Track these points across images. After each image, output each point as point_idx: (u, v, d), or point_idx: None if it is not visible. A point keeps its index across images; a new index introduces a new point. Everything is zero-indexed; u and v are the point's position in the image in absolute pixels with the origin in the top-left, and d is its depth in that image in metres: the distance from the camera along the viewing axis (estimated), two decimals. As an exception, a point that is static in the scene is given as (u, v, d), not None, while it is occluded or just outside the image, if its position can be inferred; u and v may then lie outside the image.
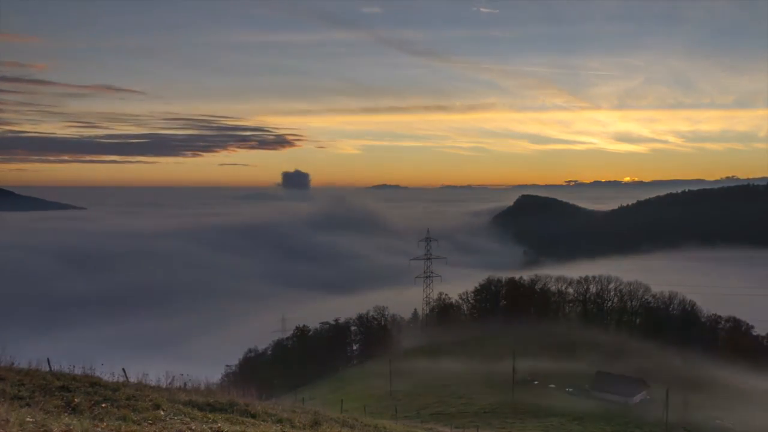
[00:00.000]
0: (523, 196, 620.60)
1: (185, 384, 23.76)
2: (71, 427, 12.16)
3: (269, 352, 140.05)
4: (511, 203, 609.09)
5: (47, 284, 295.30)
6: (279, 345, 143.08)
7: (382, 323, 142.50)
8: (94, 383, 18.61)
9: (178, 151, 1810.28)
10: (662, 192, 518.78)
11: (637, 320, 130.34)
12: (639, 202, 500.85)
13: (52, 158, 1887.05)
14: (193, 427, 14.81)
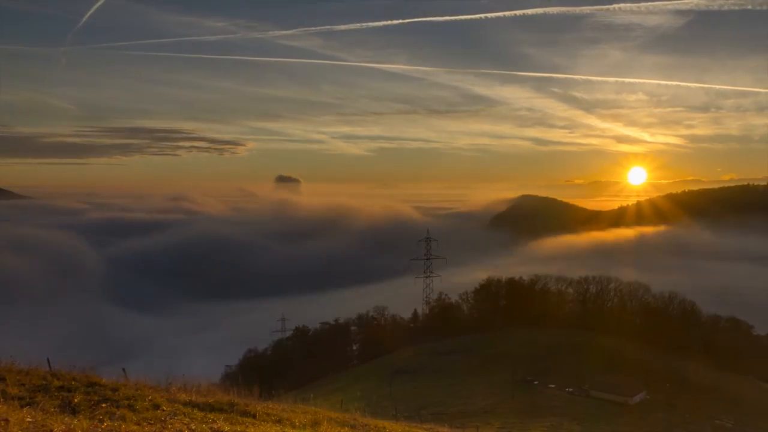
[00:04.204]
0: (523, 196, 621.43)
1: (185, 384, 23.74)
2: (72, 427, 12.18)
3: (269, 352, 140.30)
4: (511, 203, 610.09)
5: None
6: (279, 345, 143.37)
7: (382, 323, 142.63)
8: (94, 383, 18.63)
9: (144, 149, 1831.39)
10: (662, 192, 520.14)
11: (637, 320, 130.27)
12: (639, 203, 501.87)
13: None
14: (193, 427, 14.83)
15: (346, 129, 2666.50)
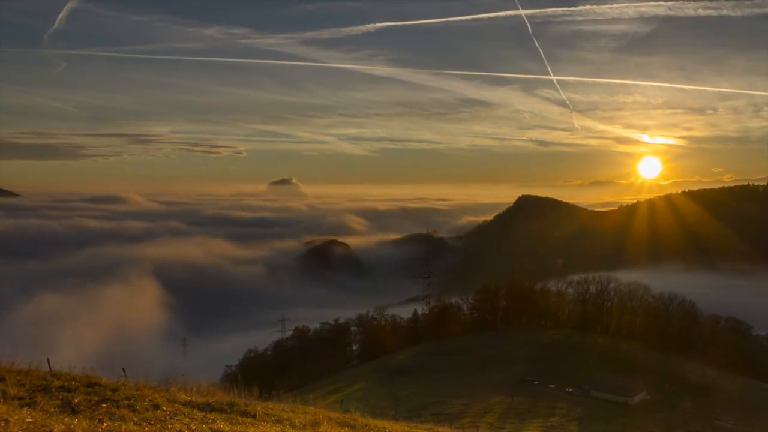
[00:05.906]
0: (522, 196, 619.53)
1: (185, 384, 23.74)
2: (72, 427, 12.17)
3: (269, 352, 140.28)
4: (511, 204, 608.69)
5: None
6: (279, 345, 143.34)
7: (382, 323, 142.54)
8: (93, 383, 18.60)
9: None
10: (662, 193, 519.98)
11: (637, 320, 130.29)
12: (640, 203, 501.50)
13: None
14: (193, 428, 14.83)
15: (351, 131, 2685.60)
